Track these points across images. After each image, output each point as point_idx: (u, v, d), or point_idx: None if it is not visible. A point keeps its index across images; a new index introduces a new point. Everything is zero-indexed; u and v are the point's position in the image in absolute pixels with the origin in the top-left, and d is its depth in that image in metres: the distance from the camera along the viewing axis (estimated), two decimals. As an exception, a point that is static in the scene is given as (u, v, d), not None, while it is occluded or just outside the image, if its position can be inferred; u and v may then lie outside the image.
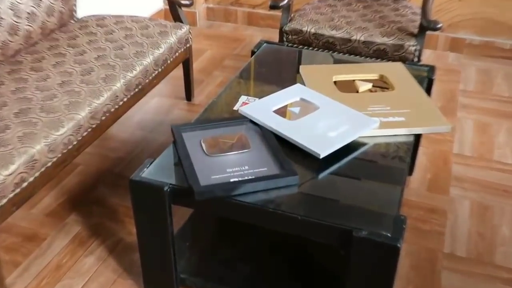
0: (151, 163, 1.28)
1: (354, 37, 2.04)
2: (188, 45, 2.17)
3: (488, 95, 2.44)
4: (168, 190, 1.20)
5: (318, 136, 1.30)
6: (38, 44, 1.92)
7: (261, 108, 1.42)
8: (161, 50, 1.94)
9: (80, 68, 1.74)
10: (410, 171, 1.91)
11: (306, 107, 1.44)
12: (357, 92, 1.56)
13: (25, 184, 1.39)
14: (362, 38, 2.03)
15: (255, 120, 1.38)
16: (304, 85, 1.57)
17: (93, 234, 1.66)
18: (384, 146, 1.34)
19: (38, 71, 1.73)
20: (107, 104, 1.66)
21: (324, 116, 1.38)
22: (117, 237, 1.64)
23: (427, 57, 2.80)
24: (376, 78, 1.64)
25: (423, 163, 1.96)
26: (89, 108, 1.58)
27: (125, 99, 1.77)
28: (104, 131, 1.72)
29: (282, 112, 1.42)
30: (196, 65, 2.70)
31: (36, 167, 1.41)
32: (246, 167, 1.23)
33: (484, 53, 2.81)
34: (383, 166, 1.27)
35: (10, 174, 1.32)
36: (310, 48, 2.12)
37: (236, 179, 1.19)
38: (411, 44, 1.97)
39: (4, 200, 1.33)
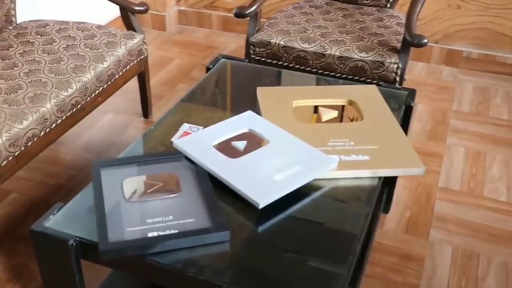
0: (60, 209, 1.14)
1: (328, 52, 1.90)
2: (142, 57, 2.03)
3: (485, 117, 2.30)
4: (74, 244, 1.06)
5: (262, 180, 1.16)
6: (-36, 55, 1.78)
7: (200, 141, 1.28)
8: (106, 64, 1.80)
9: (6, 85, 1.60)
10: (386, 209, 1.77)
11: (254, 141, 1.30)
12: (320, 121, 1.42)
13: None
14: (338, 53, 1.89)
15: (189, 157, 1.24)
16: (259, 111, 1.43)
17: (13, 277, 1.51)
18: (343, 192, 1.19)
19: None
20: (33, 128, 1.52)
21: (273, 153, 1.24)
22: (40, 282, 1.50)
23: (419, 71, 2.67)
24: (344, 104, 1.50)
25: (403, 199, 1.82)
26: (8, 135, 1.44)
27: (59, 121, 1.63)
28: (31, 158, 1.58)
29: (224, 147, 1.27)
30: (161, 76, 2.56)
31: None
32: (171, 217, 1.09)
33: (482, 68, 2.67)
34: (337, 219, 1.12)
35: None
36: (280, 62, 1.98)
37: (155, 234, 1.04)
38: (392, 62, 1.84)
39: None
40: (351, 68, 1.89)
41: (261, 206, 1.10)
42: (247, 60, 1.74)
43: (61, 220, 1.11)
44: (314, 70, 1.95)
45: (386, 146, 1.30)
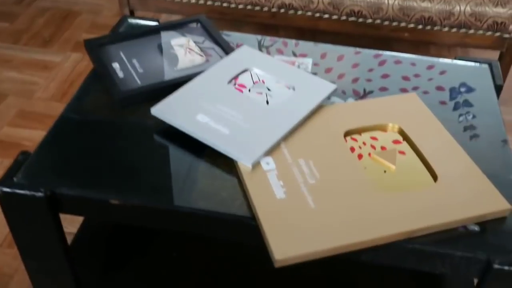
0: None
1: None
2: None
3: None
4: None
5: (195, 106, 1.00)
6: None
7: (256, 58, 1.11)
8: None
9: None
10: None
11: (280, 88, 1.04)
12: (383, 170, 0.95)
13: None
14: None
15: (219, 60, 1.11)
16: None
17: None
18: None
19: None
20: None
21: (267, 110, 0.98)
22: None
23: None
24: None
25: None
26: None
27: (333, 17, 1.71)
28: (288, 24, 1.75)
29: (247, 79, 1.08)
30: None
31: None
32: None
33: None
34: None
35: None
36: None
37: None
38: None
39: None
40: None
41: (153, 112, 0.98)
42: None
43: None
44: None
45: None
